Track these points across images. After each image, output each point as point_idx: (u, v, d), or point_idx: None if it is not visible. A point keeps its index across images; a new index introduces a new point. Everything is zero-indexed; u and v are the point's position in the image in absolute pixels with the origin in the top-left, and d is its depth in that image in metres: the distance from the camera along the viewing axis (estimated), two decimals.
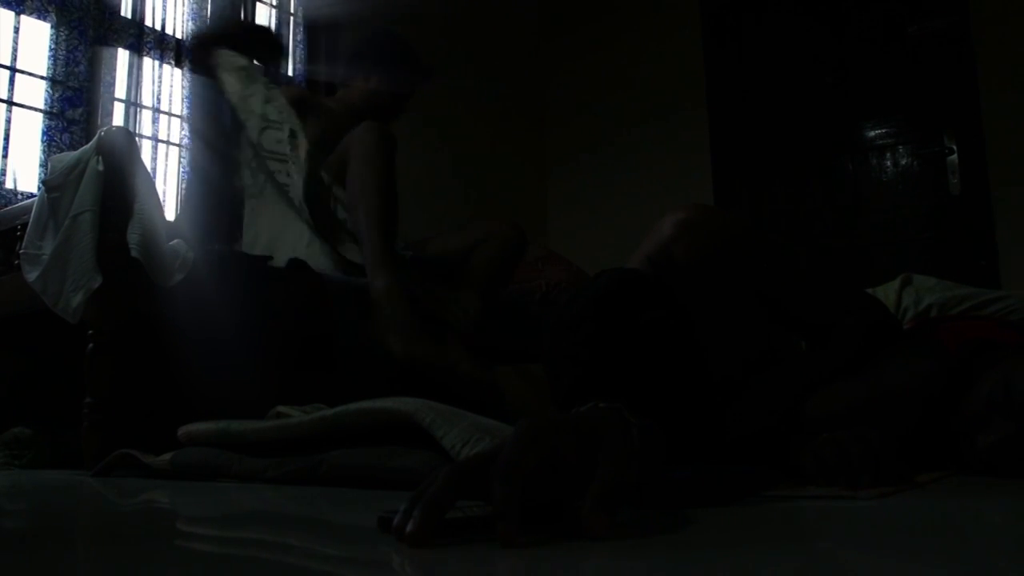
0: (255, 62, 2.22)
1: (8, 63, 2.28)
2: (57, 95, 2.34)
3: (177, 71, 2.66)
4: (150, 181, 1.71)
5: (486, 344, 2.11)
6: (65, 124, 2.34)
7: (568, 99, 4.21)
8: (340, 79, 2.41)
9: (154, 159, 2.53)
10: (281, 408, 1.40)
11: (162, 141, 2.57)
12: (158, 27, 2.61)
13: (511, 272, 2.28)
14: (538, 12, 4.27)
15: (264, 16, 3.01)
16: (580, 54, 4.19)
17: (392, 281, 1.76)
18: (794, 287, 1.17)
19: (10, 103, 2.27)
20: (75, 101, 2.36)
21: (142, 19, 2.57)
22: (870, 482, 0.84)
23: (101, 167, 1.61)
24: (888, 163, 3.46)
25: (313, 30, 3.08)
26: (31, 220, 1.70)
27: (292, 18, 3.07)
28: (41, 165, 2.28)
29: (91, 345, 1.58)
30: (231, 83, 2.11)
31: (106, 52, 2.45)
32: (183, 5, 2.71)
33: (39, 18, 2.36)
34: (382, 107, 2.36)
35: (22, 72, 2.31)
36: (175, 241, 1.70)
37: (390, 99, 2.37)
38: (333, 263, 2.00)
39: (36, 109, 2.33)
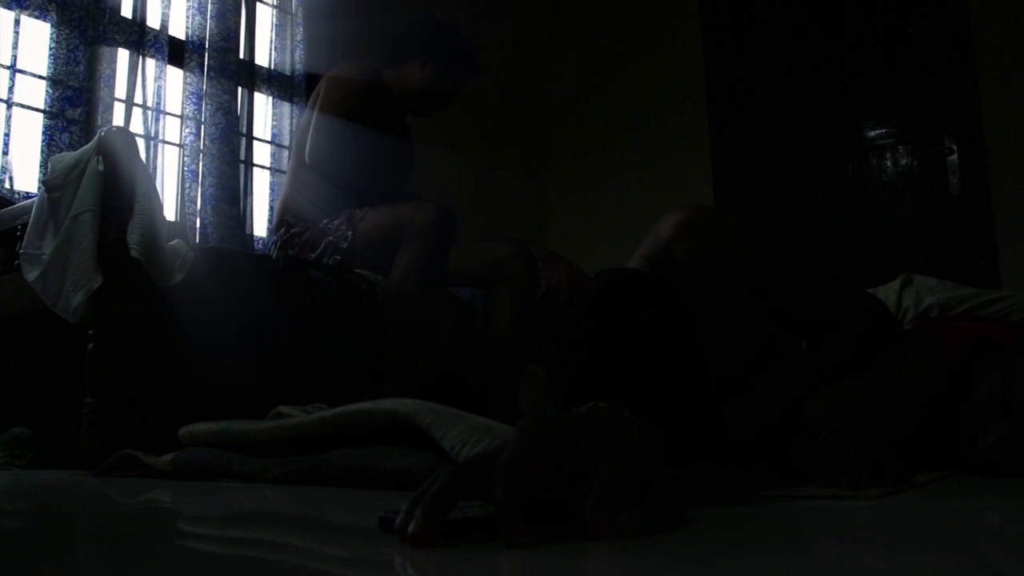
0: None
1: (8, 63, 2.28)
2: (57, 95, 2.34)
3: (177, 71, 2.66)
4: (150, 181, 1.71)
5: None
6: (65, 124, 2.33)
7: (568, 99, 4.21)
8: (393, 61, 2.42)
9: (154, 159, 2.53)
10: (282, 408, 1.40)
11: (162, 141, 2.57)
12: (158, 27, 2.61)
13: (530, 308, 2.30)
14: (537, 12, 4.27)
15: (264, 16, 3.01)
16: (580, 54, 4.19)
17: None
18: (794, 287, 1.17)
19: (10, 103, 2.27)
20: (75, 101, 2.36)
21: (142, 19, 2.57)
22: (870, 482, 0.84)
23: (101, 167, 1.61)
24: (888, 163, 3.46)
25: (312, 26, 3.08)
26: (31, 220, 1.70)
27: (292, 18, 3.07)
28: (41, 165, 2.28)
29: (91, 345, 1.58)
30: None
31: (106, 52, 2.45)
32: (183, 5, 2.71)
33: (39, 18, 2.36)
34: (431, 97, 2.41)
35: (22, 72, 2.31)
36: (175, 241, 1.70)
37: (440, 91, 2.40)
38: None
39: (36, 109, 2.33)
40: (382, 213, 2.10)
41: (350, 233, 2.09)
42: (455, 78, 2.42)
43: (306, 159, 2.25)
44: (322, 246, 2.12)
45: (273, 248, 2.26)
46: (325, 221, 2.16)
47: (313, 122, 2.27)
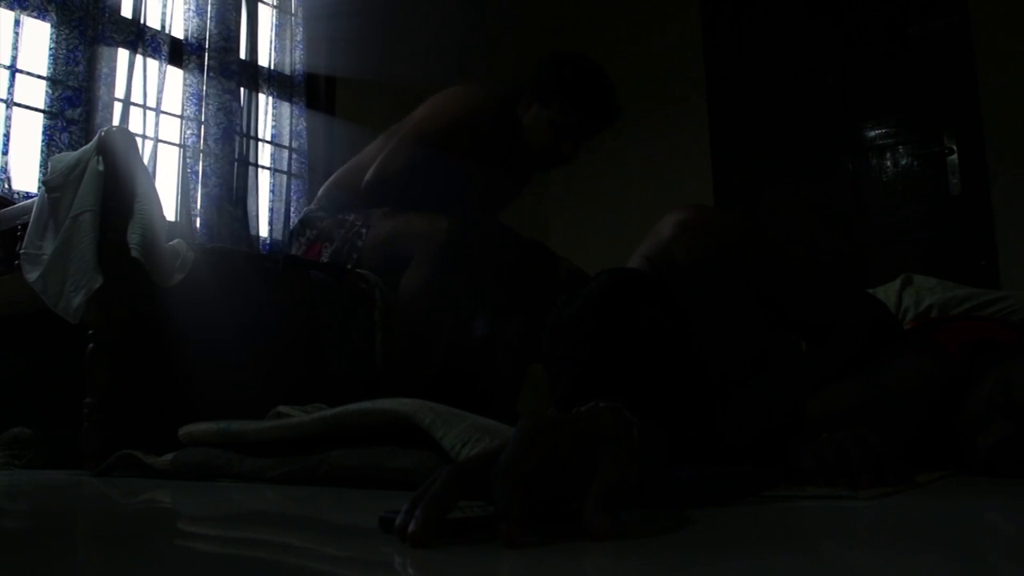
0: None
1: (8, 63, 2.28)
2: (57, 95, 2.34)
3: (176, 71, 2.66)
4: (150, 181, 1.71)
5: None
6: (65, 124, 2.33)
7: None
8: (520, 99, 2.13)
9: (154, 159, 2.53)
10: (281, 408, 1.40)
11: (162, 141, 2.58)
12: (158, 27, 2.61)
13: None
14: (536, 11, 4.27)
15: (264, 16, 3.01)
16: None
17: None
18: (794, 288, 1.17)
19: (10, 103, 2.27)
20: (75, 101, 2.36)
21: (142, 19, 2.58)
22: (870, 482, 0.84)
23: (101, 167, 1.61)
24: (888, 163, 3.46)
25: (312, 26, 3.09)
26: (31, 220, 1.70)
27: (292, 18, 3.07)
28: (41, 165, 2.28)
29: (91, 345, 1.58)
30: None
31: (106, 52, 2.45)
32: (183, 5, 2.71)
33: (39, 18, 2.36)
34: (538, 148, 2.13)
35: (22, 72, 2.31)
36: (175, 241, 1.70)
37: (548, 142, 2.11)
38: None
39: (36, 109, 2.33)
40: (397, 221, 2.02)
41: (364, 230, 2.05)
42: (570, 125, 2.07)
43: (367, 176, 2.07)
44: (337, 240, 2.09)
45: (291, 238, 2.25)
46: (342, 215, 2.11)
47: (394, 144, 2.07)
